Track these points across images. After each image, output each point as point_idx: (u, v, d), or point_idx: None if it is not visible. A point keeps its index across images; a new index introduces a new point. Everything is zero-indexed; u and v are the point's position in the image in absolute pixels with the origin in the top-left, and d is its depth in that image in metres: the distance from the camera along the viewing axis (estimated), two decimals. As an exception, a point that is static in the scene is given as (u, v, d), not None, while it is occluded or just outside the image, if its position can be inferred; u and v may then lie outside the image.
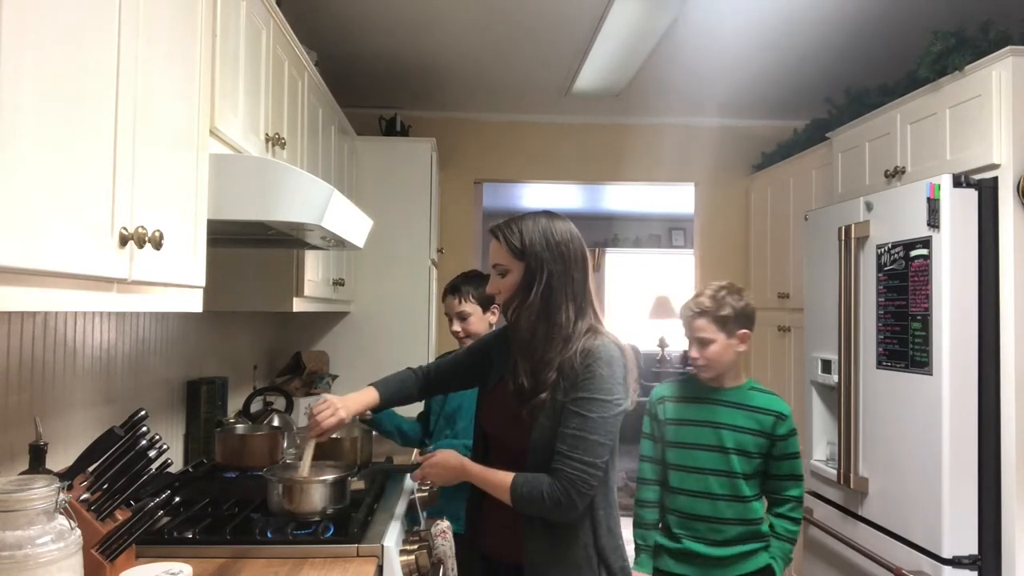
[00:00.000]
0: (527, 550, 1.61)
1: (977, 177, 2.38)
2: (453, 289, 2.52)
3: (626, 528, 1.79)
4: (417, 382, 1.92)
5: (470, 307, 2.49)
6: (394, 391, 1.88)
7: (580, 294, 1.65)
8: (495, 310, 2.54)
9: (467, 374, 1.92)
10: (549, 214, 1.69)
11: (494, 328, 2.53)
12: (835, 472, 2.90)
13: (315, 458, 1.82)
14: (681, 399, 2.19)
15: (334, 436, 2.48)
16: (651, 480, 2.21)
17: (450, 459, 1.70)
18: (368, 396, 1.82)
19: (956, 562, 2.30)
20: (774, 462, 2.10)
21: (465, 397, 2.47)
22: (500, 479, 1.61)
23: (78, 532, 1.22)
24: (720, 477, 2.08)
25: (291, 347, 3.60)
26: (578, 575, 1.59)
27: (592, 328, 1.64)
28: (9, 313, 1.50)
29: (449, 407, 2.52)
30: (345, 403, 1.76)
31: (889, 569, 2.49)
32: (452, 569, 1.96)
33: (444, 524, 2.03)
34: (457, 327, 2.51)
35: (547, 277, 1.62)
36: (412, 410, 2.67)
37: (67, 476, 1.42)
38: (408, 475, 2.27)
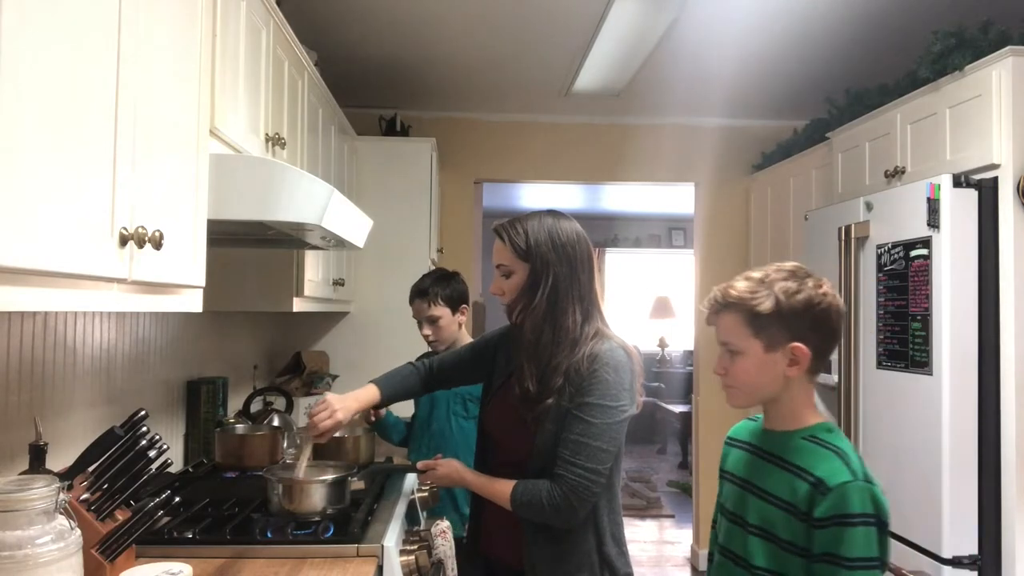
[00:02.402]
0: (529, 554, 1.60)
1: (977, 177, 2.38)
2: (420, 293, 2.49)
3: (628, 528, 1.77)
4: (419, 377, 1.90)
5: (439, 310, 2.46)
6: (396, 387, 1.86)
7: (587, 296, 1.63)
8: (464, 310, 2.53)
9: (469, 369, 1.90)
10: (554, 213, 1.67)
11: (463, 328, 2.54)
12: (835, 472, 2.90)
13: (316, 458, 1.82)
14: (741, 443, 1.45)
15: (336, 435, 2.48)
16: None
17: (452, 474, 1.71)
18: (369, 394, 1.80)
19: (956, 562, 2.30)
20: (813, 565, 1.23)
21: (438, 413, 2.50)
22: (500, 488, 1.60)
23: (78, 532, 1.22)
24: (741, 570, 1.34)
25: (291, 347, 3.60)
26: None
27: (599, 332, 1.62)
28: (9, 313, 1.50)
29: (422, 414, 2.55)
30: (344, 403, 1.72)
31: (889, 569, 2.49)
32: (452, 569, 1.96)
33: (444, 524, 2.03)
34: (427, 331, 2.48)
35: (553, 279, 1.60)
36: (407, 411, 2.68)
37: (67, 476, 1.42)
38: (408, 475, 2.28)
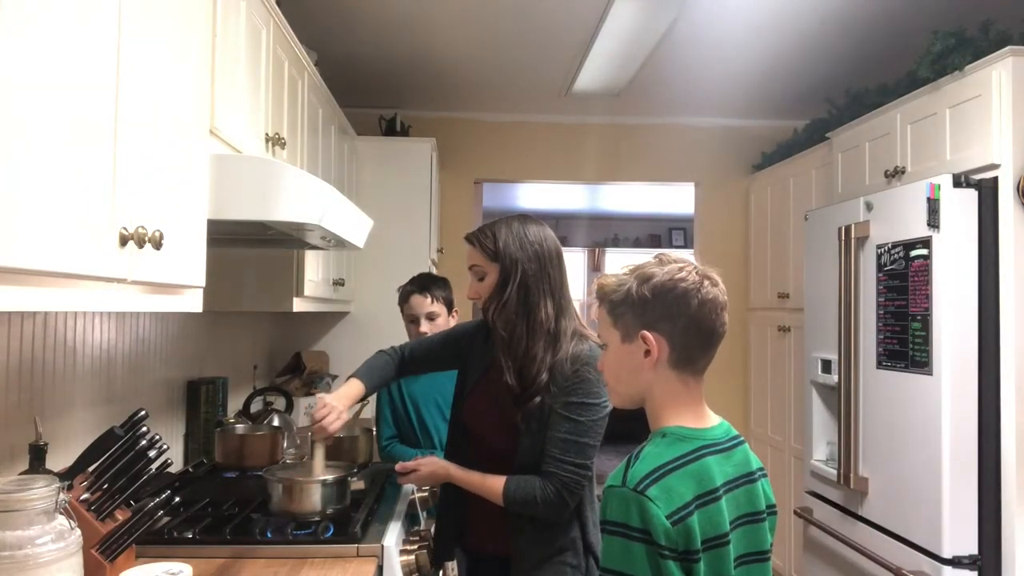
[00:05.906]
0: (514, 544, 1.65)
1: (977, 177, 2.38)
2: (423, 288, 2.51)
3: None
4: (394, 364, 1.95)
5: (438, 307, 2.49)
6: (377, 379, 1.92)
7: (558, 291, 1.69)
8: (455, 315, 2.57)
9: (440, 357, 1.95)
10: (522, 217, 1.73)
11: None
12: (835, 472, 2.90)
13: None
14: None
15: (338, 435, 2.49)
16: None
17: (438, 471, 1.75)
18: (355, 389, 1.85)
19: (956, 562, 2.30)
20: None
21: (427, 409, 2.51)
22: (491, 484, 1.65)
23: (78, 532, 1.23)
24: None
25: (291, 347, 3.60)
26: (563, 561, 1.63)
27: (577, 331, 1.69)
28: (9, 313, 1.50)
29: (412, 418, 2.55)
30: (342, 402, 1.78)
31: (889, 569, 2.49)
32: (452, 569, 1.96)
33: (444, 524, 2.03)
34: (425, 327, 2.48)
35: (522, 275, 1.66)
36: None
37: (67, 476, 1.42)
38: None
